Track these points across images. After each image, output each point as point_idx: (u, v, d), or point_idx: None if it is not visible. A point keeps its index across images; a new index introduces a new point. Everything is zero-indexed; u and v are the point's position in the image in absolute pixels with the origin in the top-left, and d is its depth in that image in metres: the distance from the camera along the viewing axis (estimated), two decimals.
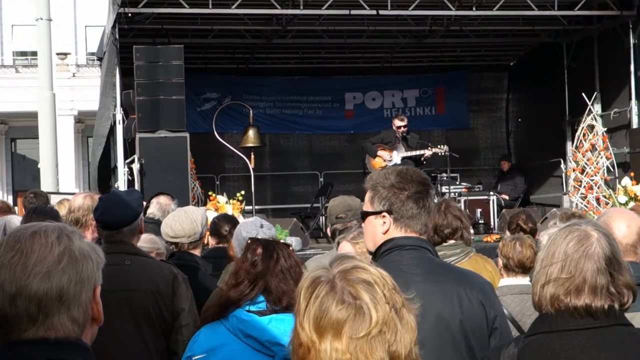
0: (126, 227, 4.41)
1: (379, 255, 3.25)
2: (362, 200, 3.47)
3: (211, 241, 6.56)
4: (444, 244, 5.16)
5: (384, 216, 3.25)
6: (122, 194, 4.72)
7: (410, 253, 3.21)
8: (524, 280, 5.16)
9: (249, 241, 3.78)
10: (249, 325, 3.40)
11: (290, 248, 3.77)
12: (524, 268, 5.25)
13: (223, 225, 6.30)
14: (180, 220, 5.47)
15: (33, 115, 19.46)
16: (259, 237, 4.69)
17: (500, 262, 5.33)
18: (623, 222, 3.85)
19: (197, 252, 5.52)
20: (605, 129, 15.75)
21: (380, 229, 3.26)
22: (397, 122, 14.28)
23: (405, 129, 14.19)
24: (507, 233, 6.73)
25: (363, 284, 2.00)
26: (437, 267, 3.28)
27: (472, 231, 6.04)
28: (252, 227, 4.87)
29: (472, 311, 3.11)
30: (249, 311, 3.45)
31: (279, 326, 3.40)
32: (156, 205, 6.94)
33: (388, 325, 1.97)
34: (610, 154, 15.42)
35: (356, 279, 2.01)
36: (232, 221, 6.56)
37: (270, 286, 3.52)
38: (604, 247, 2.63)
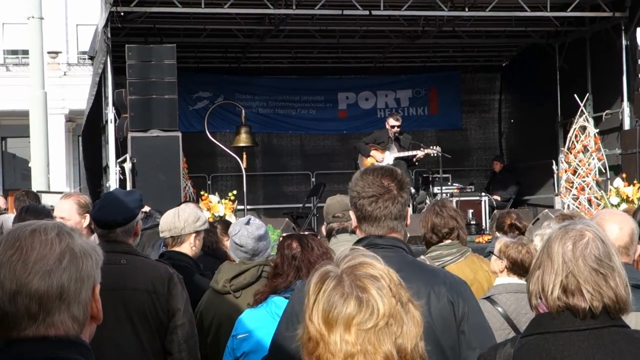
0: (120, 227, 4.37)
1: None
2: None
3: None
4: (441, 244, 5.18)
5: None
6: (121, 195, 4.63)
7: (384, 252, 3.04)
8: (519, 280, 5.14)
9: (282, 238, 4.20)
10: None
11: (319, 237, 4.13)
12: (526, 271, 5.21)
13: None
14: (167, 214, 5.42)
15: (24, 114, 19.41)
16: (243, 233, 4.68)
17: (500, 263, 5.18)
18: (615, 224, 3.86)
19: (184, 249, 5.33)
20: (597, 130, 15.78)
21: None
22: (391, 121, 14.28)
23: (399, 129, 14.19)
24: (497, 234, 6.71)
25: (370, 278, 2.06)
26: (408, 265, 3.11)
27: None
28: (238, 224, 4.84)
29: (440, 310, 3.00)
30: (286, 297, 3.78)
31: None
32: None
33: (394, 317, 2.03)
34: (602, 155, 15.45)
35: (363, 273, 2.06)
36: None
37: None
38: (599, 247, 2.63)
